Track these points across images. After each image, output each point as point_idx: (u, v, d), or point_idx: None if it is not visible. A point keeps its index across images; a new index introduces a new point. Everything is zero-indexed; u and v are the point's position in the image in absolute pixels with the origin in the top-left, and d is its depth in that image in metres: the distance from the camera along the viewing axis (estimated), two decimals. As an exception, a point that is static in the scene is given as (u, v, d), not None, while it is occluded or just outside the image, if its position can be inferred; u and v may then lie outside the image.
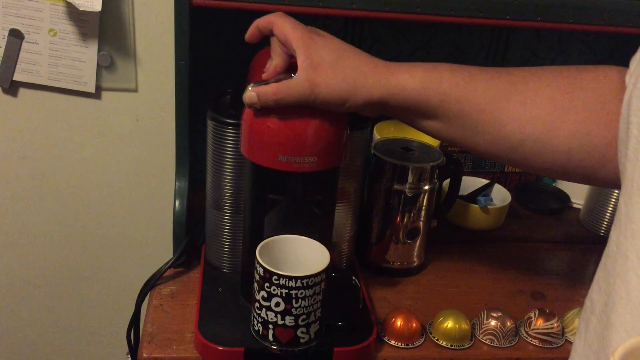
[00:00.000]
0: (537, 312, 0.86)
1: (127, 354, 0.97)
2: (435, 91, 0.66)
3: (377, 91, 0.67)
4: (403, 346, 0.82)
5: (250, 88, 0.69)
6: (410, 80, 0.67)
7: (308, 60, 0.66)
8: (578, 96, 0.64)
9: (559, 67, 0.67)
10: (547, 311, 0.86)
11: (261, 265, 0.71)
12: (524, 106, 0.64)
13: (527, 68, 0.67)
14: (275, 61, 0.70)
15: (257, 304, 0.73)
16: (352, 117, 0.76)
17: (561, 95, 0.64)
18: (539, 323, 0.85)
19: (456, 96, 0.66)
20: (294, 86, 0.66)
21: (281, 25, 0.69)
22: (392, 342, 0.82)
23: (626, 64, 0.64)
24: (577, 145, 0.63)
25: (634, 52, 0.63)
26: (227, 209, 0.86)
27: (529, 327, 0.85)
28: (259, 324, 0.74)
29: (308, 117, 0.69)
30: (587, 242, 1.13)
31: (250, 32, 0.72)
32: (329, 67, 0.66)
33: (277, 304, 0.71)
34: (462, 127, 0.67)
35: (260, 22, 0.71)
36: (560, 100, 0.64)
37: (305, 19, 1.10)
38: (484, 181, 1.19)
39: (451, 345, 0.83)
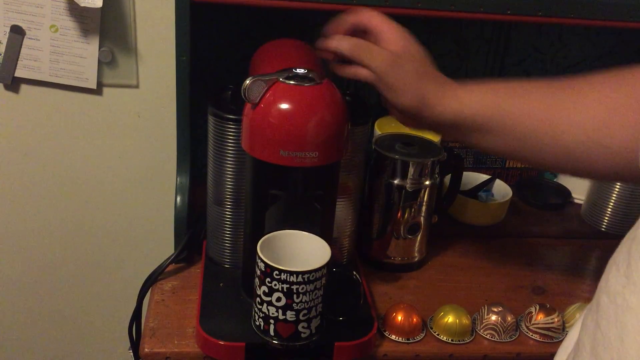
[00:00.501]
0: (537, 307, 0.86)
1: (128, 349, 0.97)
2: (495, 109, 0.69)
3: (434, 101, 0.71)
4: (404, 341, 0.82)
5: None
6: (471, 98, 0.70)
7: (396, 47, 0.73)
8: (629, 94, 0.63)
9: (607, 70, 0.67)
10: (548, 306, 0.86)
11: (262, 261, 0.71)
12: (580, 113, 0.65)
13: (578, 77, 0.68)
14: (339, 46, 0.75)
15: (258, 299, 0.73)
16: (352, 113, 0.76)
17: (612, 94, 0.64)
18: (540, 318, 0.85)
19: (515, 110, 0.68)
20: (383, 53, 0.72)
21: (372, 16, 0.75)
22: (393, 337, 0.83)
23: (628, 59, 0.64)
24: (632, 144, 0.63)
25: (635, 46, 0.63)
26: (228, 205, 0.86)
27: (530, 322, 0.86)
28: (260, 319, 0.74)
29: (309, 113, 0.70)
30: (588, 238, 1.13)
31: (327, 53, 0.78)
32: (410, 60, 0.73)
33: (278, 299, 0.71)
34: (521, 140, 0.69)
35: (342, 47, 0.75)
36: (612, 100, 0.64)
37: (305, 16, 1.10)
38: (485, 176, 1.19)
39: (452, 340, 0.83)
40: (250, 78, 0.70)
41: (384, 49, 0.73)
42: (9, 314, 1.32)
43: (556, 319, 0.85)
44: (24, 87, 1.11)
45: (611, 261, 0.53)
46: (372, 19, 0.75)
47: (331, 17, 1.10)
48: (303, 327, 0.73)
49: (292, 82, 0.70)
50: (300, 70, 0.72)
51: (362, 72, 0.74)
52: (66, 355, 1.38)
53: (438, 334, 0.84)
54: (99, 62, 1.09)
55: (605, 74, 0.66)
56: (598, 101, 0.64)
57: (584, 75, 0.67)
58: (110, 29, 1.07)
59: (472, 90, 0.71)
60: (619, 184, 1.12)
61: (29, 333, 1.34)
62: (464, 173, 1.03)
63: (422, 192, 0.94)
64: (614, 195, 1.13)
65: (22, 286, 1.29)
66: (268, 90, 0.70)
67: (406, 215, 0.95)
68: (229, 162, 0.83)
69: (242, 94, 0.70)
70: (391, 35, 0.74)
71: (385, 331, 0.83)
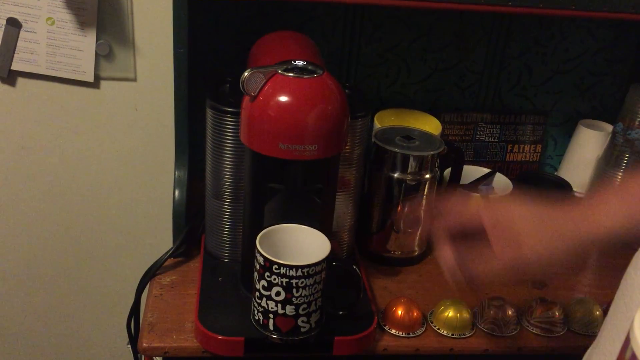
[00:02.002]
0: (538, 301, 0.86)
1: (127, 344, 0.97)
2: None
3: (581, 241, 0.62)
4: (404, 335, 0.82)
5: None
6: (612, 219, 0.61)
7: (499, 235, 0.63)
8: None
9: None
10: (548, 300, 0.86)
11: (261, 255, 0.70)
12: None
13: None
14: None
15: (257, 294, 0.73)
16: (352, 105, 0.76)
17: None
18: (540, 312, 0.85)
19: None
20: (501, 265, 0.63)
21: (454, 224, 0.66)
22: (393, 331, 0.82)
23: (629, 52, 0.63)
24: None
25: (637, 39, 0.61)
26: (227, 198, 0.85)
27: (530, 316, 0.85)
28: (260, 314, 0.73)
29: (308, 105, 0.69)
30: (589, 231, 1.12)
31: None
32: (528, 237, 0.62)
33: (278, 293, 0.71)
34: None
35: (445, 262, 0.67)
36: None
37: (306, 7, 1.10)
38: (485, 170, 1.18)
39: (452, 334, 0.83)
40: (248, 70, 0.69)
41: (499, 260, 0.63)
42: (6, 308, 1.31)
43: (557, 313, 0.85)
44: (20, 81, 1.10)
45: None
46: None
47: (329, 9, 1.10)
48: (302, 321, 0.72)
49: (290, 74, 0.70)
50: (299, 63, 0.72)
51: None
52: (65, 350, 1.38)
53: (438, 328, 0.83)
54: (96, 55, 1.08)
55: None
56: None
57: None
58: (107, 22, 1.06)
59: (608, 204, 0.63)
60: (619, 177, 1.11)
61: (27, 328, 1.34)
62: (464, 166, 1.02)
63: (422, 185, 0.93)
64: (615, 188, 1.12)
65: (19, 281, 1.28)
66: (267, 82, 0.70)
67: (406, 209, 0.94)
68: (227, 155, 0.83)
69: (241, 87, 0.69)
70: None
71: (385, 325, 0.83)
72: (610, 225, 0.61)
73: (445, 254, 0.68)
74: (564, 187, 1.23)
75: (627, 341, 0.32)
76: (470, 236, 0.66)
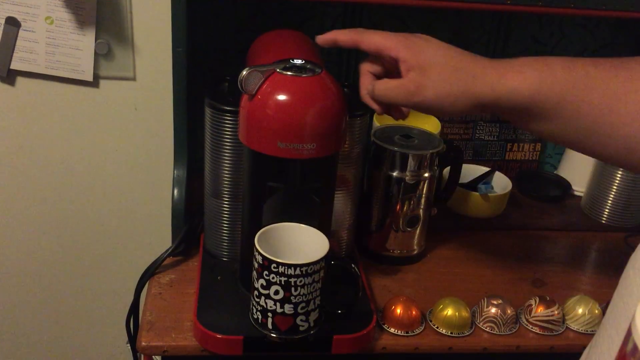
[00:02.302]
0: (537, 300, 0.86)
1: (126, 343, 0.97)
2: (550, 93, 0.62)
3: (487, 95, 0.63)
4: (403, 334, 0.82)
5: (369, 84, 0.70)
6: (522, 82, 0.62)
7: (411, 62, 0.65)
8: None
9: None
10: (548, 298, 0.86)
11: (260, 253, 0.70)
12: None
13: None
14: (338, 36, 0.70)
15: (256, 292, 0.73)
16: (351, 104, 0.75)
17: None
18: (540, 310, 0.85)
19: (572, 98, 0.61)
20: (400, 85, 0.66)
21: (369, 38, 0.68)
22: (392, 330, 0.82)
23: (629, 50, 0.62)
24: None
25: (636, 37, 0.61)
26: (226, 197, 0.85)
27: (530, 315, 0.85)
28: (258, 312, 0.73)
29: (307, 104, 0.69)
30: (588, 230, 1.13)
31: (324, 39, 0.72)
32: (438, 69, 0.64)
33: (276, 292, 0.71)
34: (577, 129, 0.62)
35: (340, 36, 0.70)
36: None
37: (305, 6, 1.09)
38: (485, 169, 1.18)
39: (451, 333, 0.83)
40: (247, 69, 0.69)
41: (405, 78, 0.67)
42: (6, 307, 1.31)
43: (556, 312, 0.85)
44: (19, 80, 1.10)
45: None
46: (366, 44, 0.70)
47: (328, 8, 1.10)
48: (301, 320, 0.72)
49: (289, 72, 0.70)
50: (298, 61, 0.72)
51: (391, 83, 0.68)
52: (64, 349, 1.38)
53: (437, 327, 0.83)
54: (95, 54, 1.08)
55: None
56: None
57: None
58: (106, 21, 1.06)
59: (523, 70, 0.63)
60: (619, 175, 1.11)
61: (26, 327, 1.34)
62: (464, 165, 1.02)
63: (422, 184, 0.93)
64: (614, 187, 1.12)
65: (19, 280, 1.28)
66: (265, 81, 0.70)
67: (405, 208, 0.94)
68: (226, 154, 0.83)
69: (239, 85, 0.69)
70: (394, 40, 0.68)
71: (384, 324, 0.83)
72: (500, 91, 0.62)
73: (364, 81, 0.72)
74: (563, 185, 1.23)
75: (628, 333, 0.32)
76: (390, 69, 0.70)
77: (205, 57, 1.10)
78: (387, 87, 0.68)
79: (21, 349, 1.37)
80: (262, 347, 0.75)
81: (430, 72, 0.64)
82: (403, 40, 0.67)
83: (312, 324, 0.74)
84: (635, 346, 0.31)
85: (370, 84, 0.70)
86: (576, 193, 1.23)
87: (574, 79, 0.61)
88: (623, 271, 0.56)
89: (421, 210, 0.95)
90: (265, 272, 0.70)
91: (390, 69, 0.71)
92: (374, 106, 0.72)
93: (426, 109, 0.67)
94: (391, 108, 0.73)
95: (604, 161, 0.73)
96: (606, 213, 1.14)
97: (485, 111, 0.67)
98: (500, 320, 0.84)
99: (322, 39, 0.72)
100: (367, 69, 0.73)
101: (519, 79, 0.63)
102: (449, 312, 0.83)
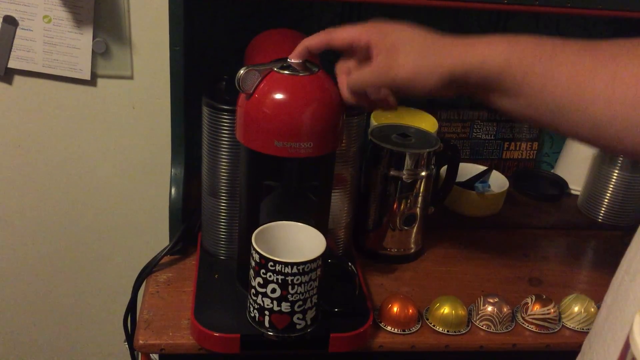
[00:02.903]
0: (533, 298, 0.86)
1: (124, 342, 0.97)
2: (518, 66, 0.61)
3: (456, 66, 0.63)
4: (399, 332, 0.82)
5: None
6: (491, 53, 0.62)
7: (381, 45, 0.66)
8: None
9: None
10: (544, 297, 0.86)
11: (257, 252, 0.70)
12: (612, 84, 0.57)
13: (616, 41, 0.60)
14: (309, 43, 0.70)
15: (253, 291, 0.73)
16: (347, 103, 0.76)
17: None
18: (536, 308, 0.85)
19: (540, 71, 0.61)
20: (373, 70, 0.67)
21: (339, 35, 0.69)
22: (389, 328, 0.82)
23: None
24: None
25: (633, 36, 0.61)
26: (223, 196, 0.86)
27: (526, 313, 0.85)
28: (255, 311, 0.74)
29: (304, 103, 0.69)
30: (585, 228, 1.13)
31: (297, 53, 0.72)
32: (403, 47, 0.65)
33: (273, 290, 0.71)
34: (544, 105, 0.62)
35: (310, 43, 0.71)
36: None
37: (302, 5, 1.10)
38: (482, 167, 1.19)
39: (447, 331, 0.83)
40: (244, 68, 0.69)
41: (375, 62, 0.67)
42: (3, 306, 1.31)
43: (552, 310, 0.85)
44: (17, 78, 1.10)
45: (636, 244, 0.51)
46: (337, 41, 0.70)
47: (325, 7, 1.10)
48: (298, 318, 0.73)
49: (286, 72, 0.70)
50: (295, 60, 0.72)
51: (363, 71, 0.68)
52: (62, 348, 1.38)
53: (434, 325, 0.84)
54: (93, 53, 1.08)
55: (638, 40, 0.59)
56: (633, 72, 0.57)
57: (626, 42, 0.59)
58: (104, 20, 1.06)
59: (492, 42, 0.63)
60: (616, 174, 1.11)
61: (23, 326, 1.34)
62: (461, 164, 1.02)
63: (419, 183, 0.93)
64: (611, 186, 1.13)
65: (17, 278, 1.28)
66: (262, 80, 0.70)
67: (402, 207, 0.94)
68: (223, 153, 0.83)
69: (236, 84, 0.69)
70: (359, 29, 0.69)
71: (381, 322, 0.83)
72: (470, 63, 0.63)
73: (341, 80, 0.72)
74: (560, 184, 1.23)
75: (626, 347, 0.32)
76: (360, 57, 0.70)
77: (202, 56, 1.10)
78: (360, 75, 0.68)
79: (18, 348, 1.37)
80: (259, 346, 0.75)
81: (400, 50, 0.65)
82: (371, 27, 0.68)
83: (309, 322, 0.74)
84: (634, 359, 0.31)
85: (339, 80, 0.72)
86: (573, 192, 1.24)
87: (542, 54, 0.61)
88: (614, 274, 0.55)
89: (418, 209, 0.95)
90: (262, 271, 0.70)
91: (364, 62, 0.70)
92: (360, 103, 0.73)
93: (400, 87, 0.67)
94: (377, 101, 0.73)
95: (574, 139, 0.73)
96: (603, 212, 1.14)
97: (456, 89, 0.66)
98: (496, 319, 0.84)
99: (295, 53, 0.72)
100: (342, 69, 0.73)
101: (488, 49, 0.62)
102: (446, 310, 0.83)
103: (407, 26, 0.67)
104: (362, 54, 0.70)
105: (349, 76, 0.70)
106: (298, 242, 0.75)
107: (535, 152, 1.28)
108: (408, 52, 0.65)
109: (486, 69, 0.62)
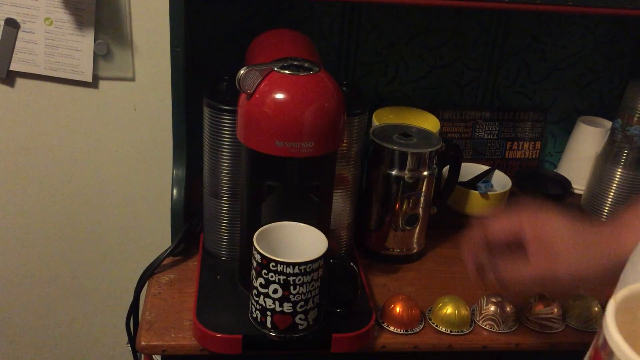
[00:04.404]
0: (537, 298, 0.86)
1: (127, 343, 0.97)
2: None
3: (611, 261, 0.64)
4: (402, 332, 0.82)
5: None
6: (635, 238, 0.62)
7: (539, 240, 0.66)
8: None
9: None
10: (547, 296, 0.86)
11: (259, 252, 0.70)
12: None
13: None
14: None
15: (255, 291, 0.73)
16: (349, 103, 0.76)
17: None
18: (539, 308, 0.85)
19: None
20: (531, 270, 0.66)
21: (498, 227, 0.69)
22: (391, 329, 0.82)
23: (628, 48, 0.62)
24: None
25: (635, 35, 0.61)
26: (225, 196, 0.86)
27: (529, 313, 0.85)
28: (257, 311, 0.73)
29: (305, 102, 0.69)
30: (588, 228, 1.12)
31: (472, 273, 0.72)
32: (562, 242, 0.66)
33: (275, 291, 0.71)
34: None
35: (472, 247, 0.71)
36: None
37: (303, 6, 1.10)
38: (484, 167, 1.18)
39: (451, 331, 0.83)
40: (244, 68, 0.69)
41: (533, 262, 0.67)
42: (5, 308, 1.31)
43: (556, 310, 0.85)
44: (19, 81, 1.10)
45: None
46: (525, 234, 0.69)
47: (326, 8, 1.10)
48: (300, 318, 0.72)
49: (287, 71, 0.70)
50: (296, 60, 0.72)
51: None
52: (64, 350, 1.38)
53: (437, 325, 0.83)
54: (95, 55, 1.08)
55: None
56: None
57: None
58: (105, 22, 1.06)
59: (635, 223, 0.65)
60: (619, 173, 1.11)
61: (26, 327, 1.34)
62: (463, 164, 1.02)
63: (421, 183, 0.93)
64: (614, 185, 1.12)
65: (19, 280, 1.29)
66: (263, 80, 0.70)
67: (404, 207, 0.94)
68: (224, 153, 0.83)
69: (237, 84, 0.69)
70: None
71: (383, 323, 0.83)
72: (623, 255, 0.60)
73: (476, 255, 0.71)
74: (563, 183, 1.23)
75: (600, 328, 0.33)
76: (509, 245, 0.69)
77: (203, 57, 1.10)
78: (517, 271, 0.67)
79: (21, 349, 1.37)
80: (261, 346, 0.75)
81: (559, 246, 0.65)
82: (526, 219, 0.67)
83: (311, 323, 0.74)
84: (605, 340, 0.32)
85: (492, 268, 0.70)
86: (576, 191, 1.23)
87: None
88: (623, 270, 0.55)
89: (420, 209, 0.95)
90: (264, 271, 0.70)
91: (508, 253, 0.70)
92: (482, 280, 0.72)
93: (563, 284, 0.67)
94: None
95: None
96: (606, 211, 1.14)
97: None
98: (499, 318, 0.83)
99: (471, 274, 0.73)
100: (472, 248, 0.73)
101: (631, 237, 0.63)
102: (449, 310, 0.83)
103: (559, 217, 0.67)
104: (510, 244, 0.69)
105: (499, 268, 0.69)
106: (300, 242, 0.75)
107: (538, 151, 1.27)
108: (567, 248, 0.65)
109: None
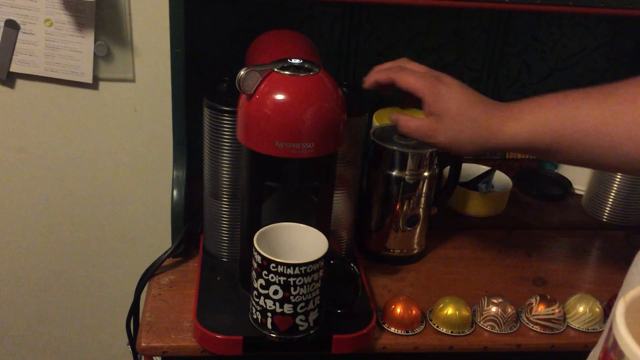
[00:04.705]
0: (538, 298, 0.85)
1: (127, 345, 0.97)
2: (544, 133, 0.69)
3: (490, 141, 0.72)
4: (403, 333, 0.82)
5: (392, 114, 0.79)
6: (519, 129, 0.70)
7: (433, 108, 0.73)
8: None
9: None
10: (549, 297, 0.86)
11: (259, 253, 0.70)
12: (635, 125, 0.64)
13: (635, 82, 0.67)
14: (378, 77, 0.78)
15: (255, 292, 0.73)
16: (349, 104, 0.75)
17: None
18: (540, 309, 0.84)
19: (565, 131, 0.68)
20: (419, 128, 0.75)
21: (404, 79, 0.76)
22: (392, 330, 0.82)
23: (629, 48, 0.63)
24: None
25: (635, 35, 0.62)
26: (225, 198, 0.85)
27: (530, 313, 0.85)
28: (258, 312, 0.73)
29: (305, 103, 0.69)
30: (589, 228, 1.12)
31: (369, 83, 0.79)
32: (451, 119, 0.73)
33: (276, 292, 0.70)
34: (579, 155, 0.69)
35: (379, 77, 0.78)
36: None
37: (303, 6, 1.09)
38: (485, 168, 1.18)
39: (451, 332, 0.82)
40: (244, 69, 0.69)
41: (424, 120, 0.75)
42: (6, 309, 1.31)
43: (557, 310, 0.84)
44: (19, 82, 1.10)
45: None
46: (401, 83, 0.77)
47: (327, 8, 1.10)
48: (301, 320, 0.72)
49: (287, 72, 0.70)
50: (296, 61, 0.72)
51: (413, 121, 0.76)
52: (65, 351, 1.38)
53: (437, 326, 0.83)
54: (95, 56, 1.08)
55: None
56: None
57: (633, 79, 0.66)
58: (105, 23, 1.06)
59: (523, 116, 0.71)
60: (620, 174, 1.11)
61: (26, 329, 1.34)
62: (464, 164, 1.02)
63: (421, 183, 0.93)
64: (615, 185, 1.12)
65: (19, 282, 1.28)
66: (263, 81, 0.70)
67: (405, 207, 0.94)
68: (224, 154, 0.83)
69: (237, 85, 0.69)
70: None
71: (384, 324, 0.83)
72: (502, 139, 0.71)
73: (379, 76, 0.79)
74: (563, 184, 1.23)
75: (610, 330, 0.33)
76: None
77: (204, 58, 1.10)
78: (408, 126, 0.77)
79: (21, 351, 1.37)
80: (262, 347, 0.75)
81: (444, 119, 0.73)
82: (430, 86, 0.74)
83: (311, 324, 0.74)
84: (615, 342, 0.32)
85: (395, 116, 0.79)
86: (577, 191, 1.23)
87: (565, 116, 0.68)
88: (628, 271, 0.56)
89: (421, 210, 0.95)
90: (265, 272, 0.70)
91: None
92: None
93: (439, 149, 0.79)
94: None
95: (616, 172, 0.89)
96: (607, 211, 1.13)
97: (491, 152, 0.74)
98: (500, 319, 0.83)
99: (366, 83, 0.80)
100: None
101: (517, 126, 0.70)
102: (450, 311, 0.83)
103: (457, 93, 0.74)
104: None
105: (400, 117, 0.78)
106: (300, 243, 0.75)
107: (538, 152, 1.27)
108: (450, 123, 0.73)
109: (516, 143, 0.71)
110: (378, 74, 0.78)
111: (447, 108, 0.73)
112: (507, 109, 0.72)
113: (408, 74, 0.76)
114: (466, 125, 0.72)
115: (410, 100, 0.78)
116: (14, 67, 1.08)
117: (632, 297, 0.34)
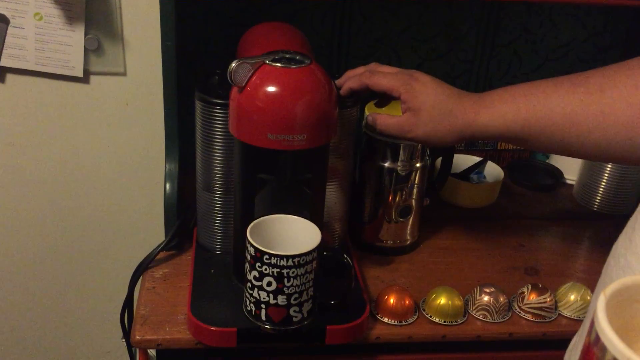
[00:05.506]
0: (530, 287, 0.86)
1: (122, 338, 0.97)
2: (514, 122, 0.71)
3: (465, 132, 0.75)
4: (396, 323, 0.82)
5: (369, 114, 0.83)
6: (491, 118, 0.73)
7: (410, 104, 0.76)
8: None
9: (623, 64, 0.67)
10: (540, 286, 0.86)
11: (252, 245, 0.70)
12: (603, 115, 0.66)
13: (603, 72, 0.68)
14: (351, 85, 0.80)
15: (249, 284, 0.73)
16: (341, 95, 0.76)
17: (636, 92, 0.64)
18: (532, 298, 0.85)
19: (536, 120, 0.70)
20: (398, 124, 0.78)
21: (377, 82, 0.78)
22: (386, 320, 0.82)
23: (619, 38, 0.64)
24: None
25: (625, 26, 0.63)
26: (218, 190, 0.86)
27: (522, 302, 0.86)
28: (252, 304, 0.74)
29: (296, 95, 0.69)
30: (580, 218, 1.13)
31: (344, 91, 0.81)
32: (427, 112, 0.75)
33: (269, 284, 0.71)
34: (549, 143, 0.71)
35: (352, 85, 0.80)
36: (636, 98, 0.64)
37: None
38: (477, 158, 1.19)
39: (444, 322, 0.83)
40: (236, 61, 0.69)
41: (402, 117, 0.78)
42: (0, 304, 1.31)
43: (548, 299, 0.85)
44: (9, 77, 1.10)
45: (624, 229, 0.55)
46: (374, 86, 0.79)
47: (318, 1, 1.10)
48: (294, 311, 0.73)
49: (278, 64, 0.70)
50: (287, 53, 0.72)
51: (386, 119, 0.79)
52: (59, 345, 1.38)
53: (431, 316, 0.84)
54: (85, 50, 1.08)
55: (623, 68, 0.66)
56: (622, 99, 0.64)
57: (613, 71, 0.67)
58: (95, 16, 1.06)
59: (495, 106, 0.73)
60: (610, 163, 1.12)
61: (20, 323, 1.34)
62: (456, 155, 1.02)
63: (413, 174, 0.93)
64: (606, 175, 1.13)
65: (12, 276, 1.28)
66: (254, 73, 0.70)
67: (397, 198, 0.94)
68: (217, 147, 0.83)
69: (228, 77, 0.69)
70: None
71: (377, 314, 0.83)
72: (475, 129, 0.74)
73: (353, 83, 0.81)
74: (555, 174, 1.24)
75: (592, 324, 0.33)
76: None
77: (195, 50, 1.10)
78: (387, 124, 0.79)
79: (15, 346, 1.36)
80: (256, 339, 0.75)
81: (421, 114, 0.75)
82: (404, 84, 0.77)
83: (305, 315, 0.74)
84: (597, 336, 0.32)
85: (372, 116, 0.82)
86: (568, 181, 1.24)
87: (535, 105, 0.70)
88: (605, 262, 0.56)
89: (413, 201, 0.95)
90: (258, 264, 0.70)
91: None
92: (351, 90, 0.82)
93: (418, 142, 0.83)
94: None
95: (585, 159, 0.91)
96: (598, 200, 1.14)
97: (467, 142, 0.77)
98: (493, 308, 0.84)
99: (342, 91, 0.81)
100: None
101: (489, 116, 0.73)
102: (442, 301, 0.83)
103: (432, 89, 0.76)
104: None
105: (376, 116, 0.80)
106: (293, 235, 0.75)
107: (530, 142, 1.27)
108: (426, 118, 0.75)
109: (489, 132, 0.74)
110: (351, 82, 0.80)
111: (423, 102, 0.75)
112: (480, 99, 0.74)
113: (380, 76, 0.78)
114: (443, 118, 0.75)
115: (384, 102, 0.81)
116: (4, 62, 1.07)
117: (612, 291, 0.34)
